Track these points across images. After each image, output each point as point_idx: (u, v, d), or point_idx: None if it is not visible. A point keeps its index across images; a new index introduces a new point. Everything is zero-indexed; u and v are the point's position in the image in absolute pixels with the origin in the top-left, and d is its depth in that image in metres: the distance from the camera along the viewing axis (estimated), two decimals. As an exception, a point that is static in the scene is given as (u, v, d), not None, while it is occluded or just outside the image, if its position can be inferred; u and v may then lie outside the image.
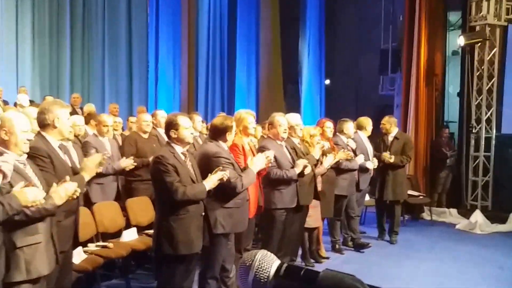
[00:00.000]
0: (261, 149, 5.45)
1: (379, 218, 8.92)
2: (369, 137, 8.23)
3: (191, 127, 4.41)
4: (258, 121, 7.58)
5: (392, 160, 8.17)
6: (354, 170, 7.62)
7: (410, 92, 11.48)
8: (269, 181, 5.75)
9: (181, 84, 14.16)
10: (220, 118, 4.87)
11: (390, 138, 8.44)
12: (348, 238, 8.18)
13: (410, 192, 9.95)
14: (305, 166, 5.85)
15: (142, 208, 6.39)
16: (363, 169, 7.83)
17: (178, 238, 4.21)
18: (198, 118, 7.57)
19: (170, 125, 4.32)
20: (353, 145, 7.83)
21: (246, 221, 5.00)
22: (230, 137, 4.82)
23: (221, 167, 4.44)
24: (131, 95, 14.38)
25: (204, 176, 4.40)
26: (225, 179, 4.36)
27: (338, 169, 7.31)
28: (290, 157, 5.88)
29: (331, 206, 7.18)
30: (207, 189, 4.29)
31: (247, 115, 5.37)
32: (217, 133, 4.78)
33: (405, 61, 11.71)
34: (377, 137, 8.53)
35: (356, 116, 8.58)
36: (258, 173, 5.17)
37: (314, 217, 6.74)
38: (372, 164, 7.93)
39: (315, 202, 6.49)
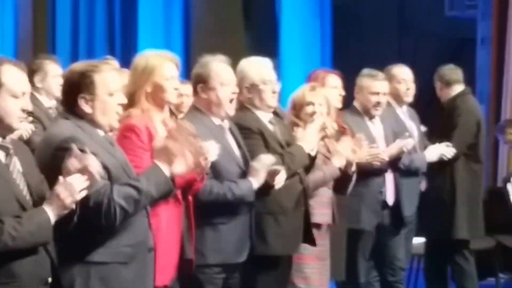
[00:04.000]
0: None
1: (435, 276, 4.97)
2: None
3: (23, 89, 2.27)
4: (188, 74, 3.89)
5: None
6: (415, 173, 4.54)
7: (509, 10, 6.80)
8: (201, 210, 3.18)
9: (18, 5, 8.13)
10: (75, 65, 2.67)
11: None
12: None
13: None
14: (274, 172, 3.29)
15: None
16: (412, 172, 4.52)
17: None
18: (52, 68, 4.42)
19: None
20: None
21: None
22: (98, 105, 2.53)
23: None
24: None
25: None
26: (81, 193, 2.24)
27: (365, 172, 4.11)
28: (239, 154, 3.40)
29: (341, 260, 4.07)
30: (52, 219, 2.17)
31: (162, 61, 3.07)
32: (68, 97, 2.61)
33: None
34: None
35: (397, 60, 5.26)
36: (186, 191, 2.99)
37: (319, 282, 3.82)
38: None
39: (317, 250, 3.74)
